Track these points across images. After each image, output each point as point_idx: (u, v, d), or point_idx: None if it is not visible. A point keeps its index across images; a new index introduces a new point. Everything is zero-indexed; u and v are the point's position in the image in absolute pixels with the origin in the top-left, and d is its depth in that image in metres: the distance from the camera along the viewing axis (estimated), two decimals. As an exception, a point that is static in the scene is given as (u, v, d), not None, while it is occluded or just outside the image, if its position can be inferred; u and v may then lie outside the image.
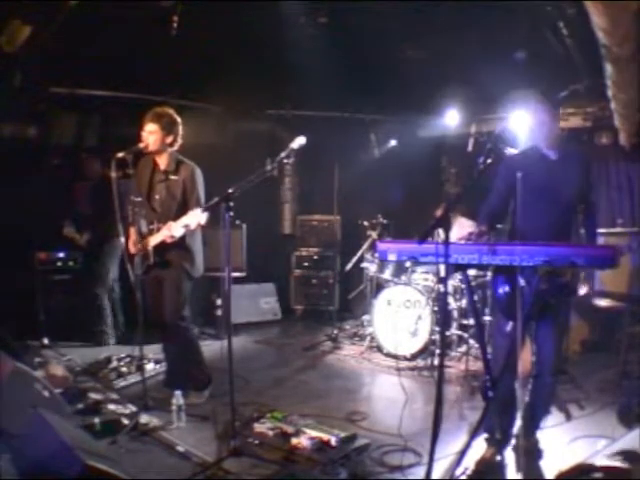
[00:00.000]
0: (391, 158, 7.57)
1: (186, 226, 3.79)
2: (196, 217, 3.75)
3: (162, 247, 3.98)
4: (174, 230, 3.80)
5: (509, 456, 3.07)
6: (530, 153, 3.18)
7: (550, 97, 3.13)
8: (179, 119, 4.11)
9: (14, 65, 4.75)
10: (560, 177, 3.06)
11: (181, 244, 3.98)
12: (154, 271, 4.09)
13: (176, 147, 4.10)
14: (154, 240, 3.98)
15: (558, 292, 2.78)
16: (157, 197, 4.09)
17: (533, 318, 2.83)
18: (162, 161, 4.10)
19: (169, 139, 4.03)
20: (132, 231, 4.16)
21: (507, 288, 2.94)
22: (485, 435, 3.15)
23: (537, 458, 3.09)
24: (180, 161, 4.11)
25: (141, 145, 3.98)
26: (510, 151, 3.52)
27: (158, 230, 3.98)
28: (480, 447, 3.11)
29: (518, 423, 3.09)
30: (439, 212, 3.12)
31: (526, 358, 3.14)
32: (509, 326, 2.99)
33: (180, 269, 4.07)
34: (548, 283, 2.70)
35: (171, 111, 4.10)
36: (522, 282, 2.71)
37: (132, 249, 4.10)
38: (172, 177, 4.06)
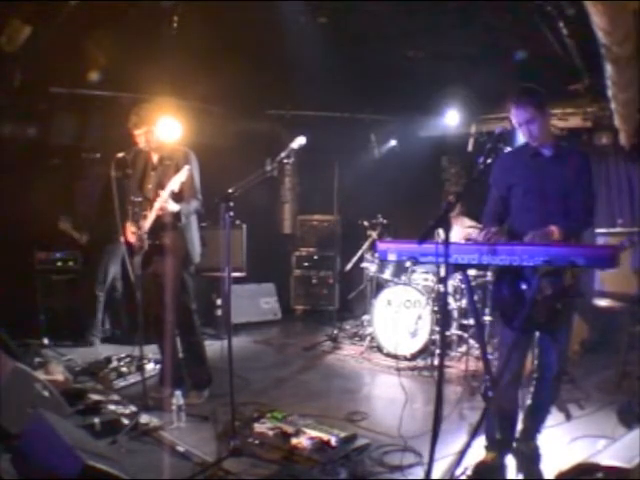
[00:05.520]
0: (391, 158, 7.57)
1: (172, 191, 3.87)
2: (179, 178, 3.83)
3: (156, 230, 4.02)
4: (164, 195, 3.86)
5: (509, 460, 3.07)
6: (523, 151, 3.06)
7: (534, 92, 2.98)
8: (151, 105, 4.25)
9: (14, 65, 4.74)
10: (551, 175, 2.92)
11: (174, 227, 4.04)
12: (152, 267, 4.10)
13: (167, 133, 4.16)
14: (149, 219, 4.01)
15: (563, 295, 2.69)
16: (150, 186, 4.13)
17: (538, 323, 2.76)
18: (157, 152, 4.16)
19: (156, 129, 4.07)
20: (129, 224, 4.17)
21: (505, 291, 2.90)
22: (485, 443, 3.09)
23: (537, 462, 3.07)
24: (174, 148, 4.18)
25: (139, 146, 4.06)
26: (503, 151, 3.37)
27: None
28: (480, 448, 3.10)
29: (519, 427, 3.09)
30: (451, 199, 3.01)
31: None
32: (509, 337, 2.91)
33: (176, 257, 4.07)
34: (552, 287, 2.63)
35: (143, 105, 4.21)
36: (524, 286, 2.66)
37: (130, 237, 4.11)
38: (166, 162, 4.11)
